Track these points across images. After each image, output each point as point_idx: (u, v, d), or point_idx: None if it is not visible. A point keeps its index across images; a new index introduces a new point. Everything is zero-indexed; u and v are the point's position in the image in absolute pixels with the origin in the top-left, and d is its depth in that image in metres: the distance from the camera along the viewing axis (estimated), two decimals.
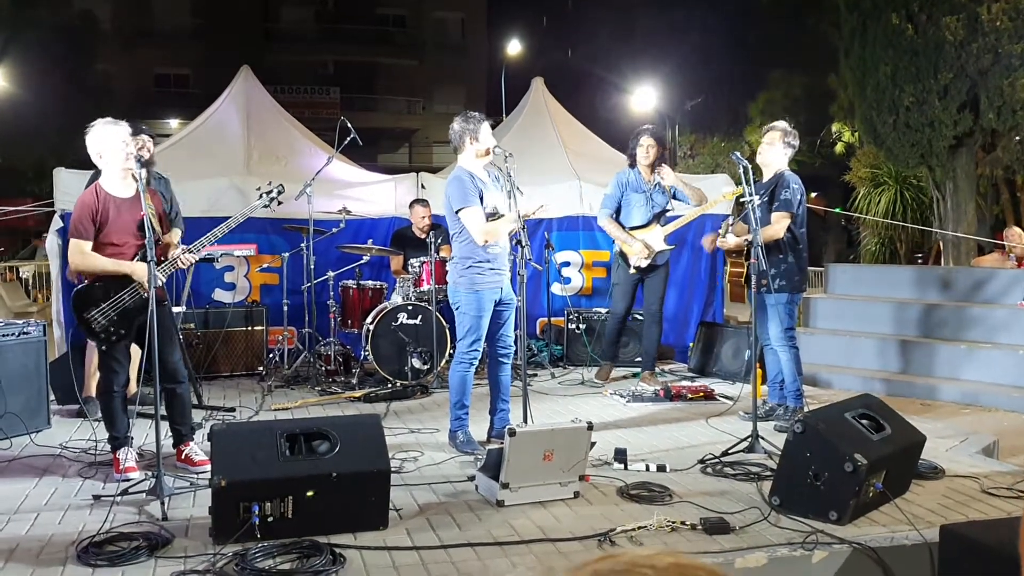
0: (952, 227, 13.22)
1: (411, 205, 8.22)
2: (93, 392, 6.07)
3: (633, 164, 7.12)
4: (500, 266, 5.34)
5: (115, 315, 4.60)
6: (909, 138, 12.85)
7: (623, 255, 7.22)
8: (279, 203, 5.38)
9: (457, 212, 5.26)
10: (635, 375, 7.59)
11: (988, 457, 5.37)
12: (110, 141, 4.59)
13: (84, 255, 4.58)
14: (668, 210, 7.17)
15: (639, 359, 7.63)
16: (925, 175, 14.41)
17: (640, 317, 7.62)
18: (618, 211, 7.17)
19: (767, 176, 6.07)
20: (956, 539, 3.35)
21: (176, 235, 5.80)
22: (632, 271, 7.16)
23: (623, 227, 7.12)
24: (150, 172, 5.73)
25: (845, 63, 13.96)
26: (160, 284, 4.65)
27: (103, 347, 4.66)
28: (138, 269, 4.59)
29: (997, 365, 7.47)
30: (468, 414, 5.38)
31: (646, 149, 7.03)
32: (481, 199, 5.26)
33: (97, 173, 5.63)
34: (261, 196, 5.30)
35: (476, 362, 5.36)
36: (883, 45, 12.74)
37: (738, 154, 5.63)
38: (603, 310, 8.12)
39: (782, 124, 6.11)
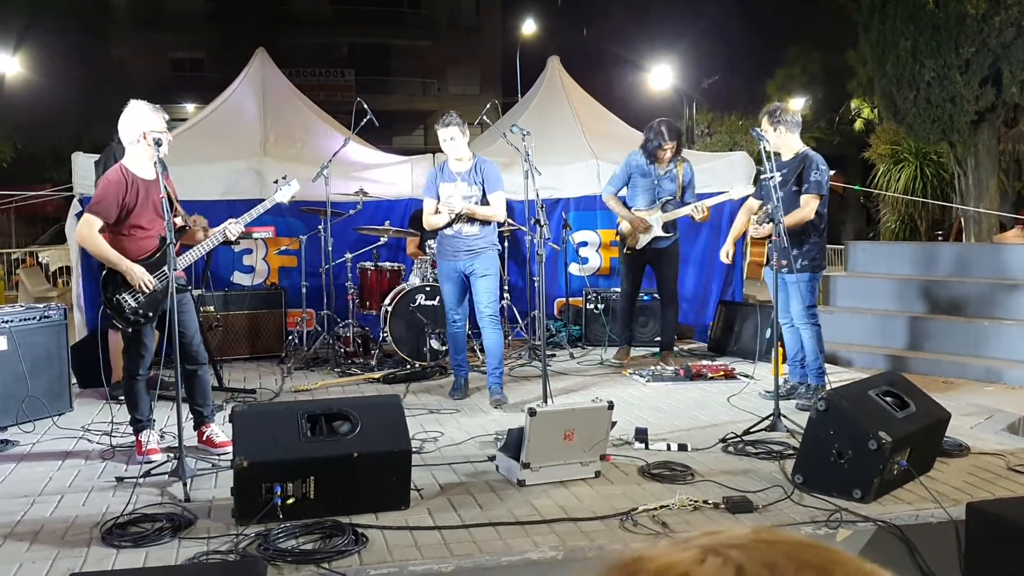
0: (974, 203, 13.08)
1: None
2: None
3: (650, 156, 7.05)
4: (454, 246, 6.03)
5: (143, 298, 4.61)
6: (930, 114, 12.70)
7: (622, 235, 7.32)
8: (293, 198, 5.51)
9: None
10: (655, 355, 7.57)
11: (1013, 434, 5.32)
12: (159, 126, 4.60)
13: (93, 233, 4.55)
14: (672, 199, 7.12)
15: (659, 339, 7.61)
16: (946, 151, 14.25)
17: (658, 297, 7.63)
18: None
19: (787, 156, 5.99)
20: (982, 516, 3.32)
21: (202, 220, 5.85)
22: (627, 251, 7.24)
23: (627, 206, 7.18)
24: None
25: (864, 38, 13.79)
26: (182, 268, 4.68)
27: (129, 330, 4.68)
28: (136, 271, 4.58)
29: (1021, 342, 7.40)
30: (461, 366, 6.32)
31: (667, 152, 7.01)
32: (439, 189, 6.06)
33: (106, 155, 5.62)
34: (279, 189, 5.37)
35: (456, 326, 6.19)
36: (903, 19, 12.58)
37: (758, 130, 5.60)
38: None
39: (767, 108, 6.09)
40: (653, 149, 7.02)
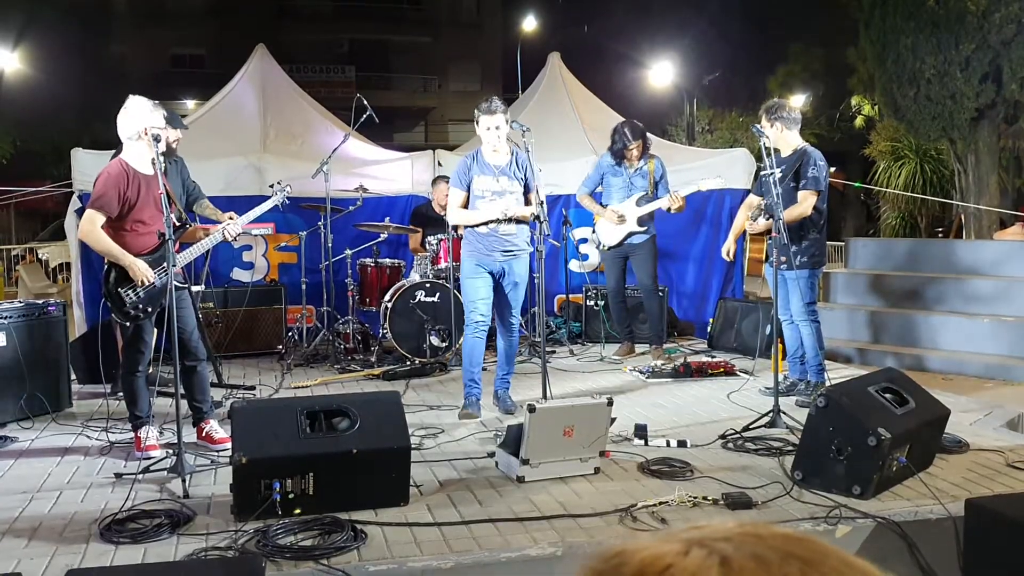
0: (974, 200, 13.07)
1: (435, 182, 8.18)
2: None
3: (618, 157, 7.16)
4: (489, 245, 5.52)
5: (143, 293, 4.61)
6: (930, 111, 12.69)
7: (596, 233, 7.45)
8: (286, 202, 5.71)
9: None
10: None
11: (1013, 431, 5.31)
12: (158, 122, 4.60)
13: (95, 229, 4.56)
14: (644, 195, 7.14)
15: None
16: (946, 148, 14.24)
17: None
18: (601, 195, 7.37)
19: (786, 152, 5.97)
20: (981, 513, 3.32)
21: (210, 206, 5.91)
22: (603, 248, 7.36)
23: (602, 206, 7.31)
24: (168, 159, 5.73)
25: (865, 35, 13.77)
26: (182, 266, 4.69)
27: (128, 324, 4.67)
28: (139, 265, 4.58)
29: (1020, 339, 7.40)
30: (475, 382, 5.61)
31: (633, 151, 7.09)
32: (471, 182, 5.51)
33: (117, 154, 5.62)
34: (275, 194, 5.53)
35: (479, 329, 5.56)
36: (904, 16, 12.57)
37: (759, 127, 5.59)
38: None
39: (765, 105, 6.08)
40: (619, 150, 7.13)
